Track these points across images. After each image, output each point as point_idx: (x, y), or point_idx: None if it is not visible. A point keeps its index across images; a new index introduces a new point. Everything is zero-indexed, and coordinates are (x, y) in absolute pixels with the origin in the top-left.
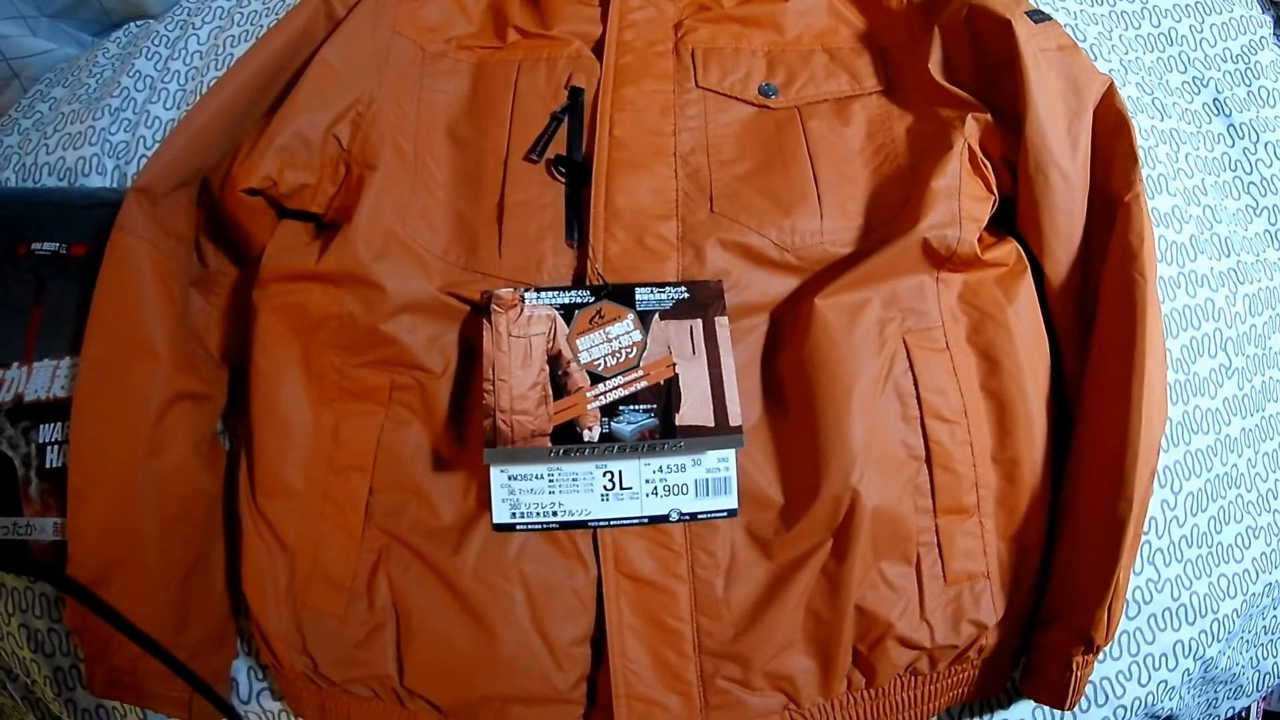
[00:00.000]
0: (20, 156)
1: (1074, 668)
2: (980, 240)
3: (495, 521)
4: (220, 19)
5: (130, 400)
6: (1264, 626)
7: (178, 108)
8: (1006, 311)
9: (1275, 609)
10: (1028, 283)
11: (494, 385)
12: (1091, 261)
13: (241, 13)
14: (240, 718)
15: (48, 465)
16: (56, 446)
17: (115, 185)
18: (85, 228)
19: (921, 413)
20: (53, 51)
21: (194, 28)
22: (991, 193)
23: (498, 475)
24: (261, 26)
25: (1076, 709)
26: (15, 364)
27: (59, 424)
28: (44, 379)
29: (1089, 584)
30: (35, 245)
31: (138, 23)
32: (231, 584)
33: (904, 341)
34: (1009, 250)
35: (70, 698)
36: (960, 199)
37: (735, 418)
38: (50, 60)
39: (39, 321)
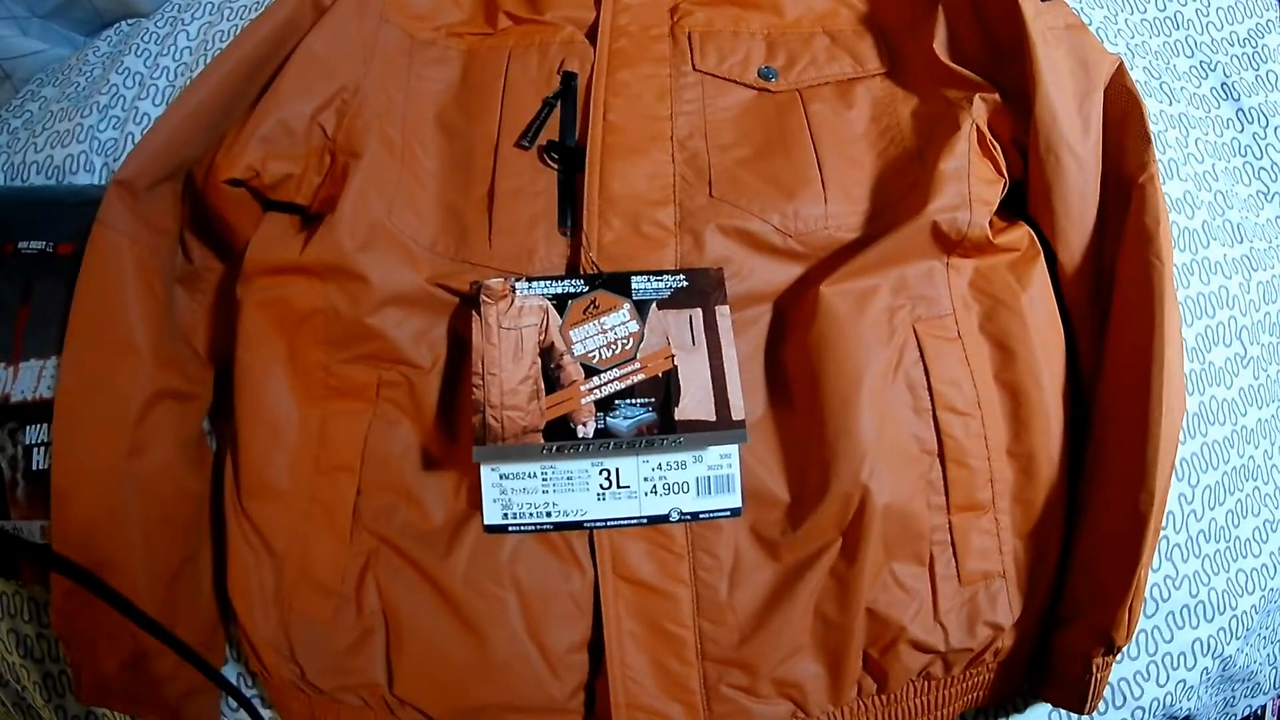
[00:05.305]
0: (8, 155)
1: (1094, 670)
2: (991, 224)
3: (486, 523)
4: (210, 14)
5: (111, 399)
6: None
7: (167, 104)
8: (1020, 298)
9: None
10: (1041, 268)
11: (483, 379)
12: (1106, 246)
13: (231, 7)
14: (249, 702)
15: (34, 467)
16: (43, 448)
17: (103, 183)
18: (72, 226)
19: (934, 405)
20: (44, 52)
21: (183, 24)
22: (1001, 175)
23: (489, 474)
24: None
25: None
26: (1, 364)
27: (45, 425)
28: (30, 379)
29: (1110, 582)
30: (22, 244)
31: (129, 21)
32: (220, 588)
33: (914, 330)
34: (1021, 235)
35: (60, 704)
36: (970, 181)
37: (738, 411)
38: (42, 61)
39: (26, 321)
